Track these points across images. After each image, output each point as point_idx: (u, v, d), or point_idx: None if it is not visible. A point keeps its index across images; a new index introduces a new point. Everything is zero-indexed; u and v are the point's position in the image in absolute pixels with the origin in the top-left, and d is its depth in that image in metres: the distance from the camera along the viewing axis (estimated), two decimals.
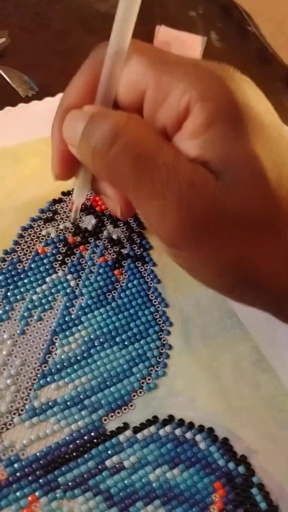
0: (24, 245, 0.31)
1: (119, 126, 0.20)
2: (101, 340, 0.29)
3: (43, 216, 0.32)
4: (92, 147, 0.21)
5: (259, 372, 0.29)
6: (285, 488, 0.26)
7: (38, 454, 0.25)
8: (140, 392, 0.28)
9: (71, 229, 0.32)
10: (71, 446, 0.25)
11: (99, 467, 0.25)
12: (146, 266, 0.32)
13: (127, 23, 0.20)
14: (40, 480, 0.24)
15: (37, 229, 0.32)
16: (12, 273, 0.30)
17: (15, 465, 0.25)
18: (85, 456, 0.25)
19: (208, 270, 0.22)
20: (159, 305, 0.30)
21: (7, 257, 0.30)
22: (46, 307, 0.29)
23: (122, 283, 0.31)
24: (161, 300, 0.31)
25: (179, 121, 0.21)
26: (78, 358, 0.28)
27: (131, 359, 0.28)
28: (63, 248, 0.31)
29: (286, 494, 0.26)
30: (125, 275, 0.31)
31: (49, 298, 0.29)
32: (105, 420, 0.27)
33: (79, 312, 0.29)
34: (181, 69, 0.21)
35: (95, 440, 0.26)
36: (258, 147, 0.20)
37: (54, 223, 0.32)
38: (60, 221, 0.32)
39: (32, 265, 0.30)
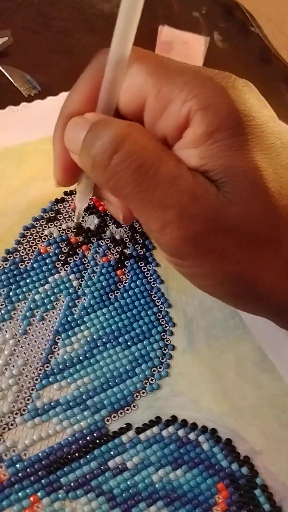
0: (26, 245, 0.31)
1: (120, 135, 0.20)
2: (103, 340, 0.28)
3: (46, 215, 0.32)
4: (93, 155, 0.20)
5: (262, 372, 0.29)
6: None
7: (40, 454, 0.25)
8: (143, 393, 0.27)
9: (74, 229, 0.32)
10: (73, 446, 0.25)
11: (102, 467, 0.25)
12: (149, 266, 0.32)
13: (128, 31, 0.19)
14: (42, 481, 0.24)
15: (39, 228, 0.32)
16: (15, 272, 0.30)
17: (17, 466, 0.24)
18: (88, 456, 0.25)
19: (209, 281, 0.22)
20: (162, 306, 0.30)
21: (10, 257, 0.30)
22: (48, 307, 0.29)
23: (125, 283, 0.31)
24: (164, 300, 0.30)
25: (180, 130, 0.21)
26: (81, 358, 0.28)
27: (134, 360, 0.28)
28: (65, 248, 0.31)
29: None
30: (128, 275, 0.31)
31: (52, 298, 0.29)
32: (107, 420, 0.26)
33: (82, 312, 0.29)
34: (182, 77, 0.20)
35: (97, 441, 0.26)
36: (259, 157, 0.20)
37: (57, 223, 0.32)
38: (62, 221, 0.32)
39: (35, 265, 0.30)
